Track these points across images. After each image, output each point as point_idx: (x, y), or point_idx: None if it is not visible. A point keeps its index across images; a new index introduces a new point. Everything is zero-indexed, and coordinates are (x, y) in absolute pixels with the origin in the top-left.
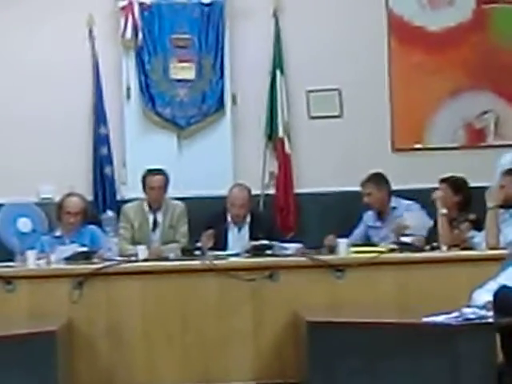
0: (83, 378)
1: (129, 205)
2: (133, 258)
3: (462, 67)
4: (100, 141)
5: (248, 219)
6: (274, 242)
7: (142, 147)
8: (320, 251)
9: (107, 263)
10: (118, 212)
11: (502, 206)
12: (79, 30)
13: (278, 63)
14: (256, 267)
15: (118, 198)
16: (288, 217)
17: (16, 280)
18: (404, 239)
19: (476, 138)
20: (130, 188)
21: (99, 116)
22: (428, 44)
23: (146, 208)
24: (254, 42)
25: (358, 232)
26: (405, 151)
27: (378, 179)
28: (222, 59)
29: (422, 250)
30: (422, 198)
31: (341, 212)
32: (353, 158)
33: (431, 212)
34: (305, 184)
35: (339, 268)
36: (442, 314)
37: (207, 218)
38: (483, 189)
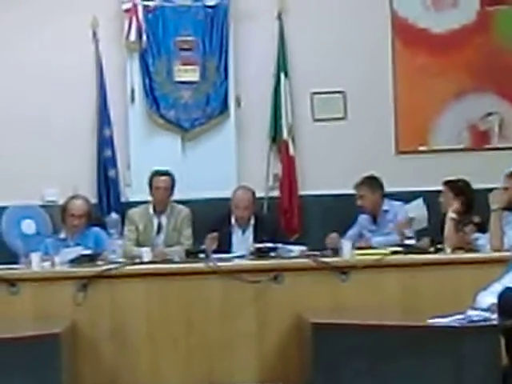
0: (87, 381)
1: (134, 209)
2: (137, 260)
3: (466, 69)
4: (104, 143)
5: (252, 221)
6: (278, 244)
7: (146, 149)
8: (324, 253)
9: (111, 265)
10: (122, 214)
11: (505, 209)
12: (83, 32)
13: (282, 65)
14: (260, 269)
15: (123, 200)
16: (292, 219)
17: (20, 282)
18: (408, 241)
19: (480, 140)
20: (134, 190)
21: (103, 118)
22: (432, 46)
23: (151, 211)
24: (258, 44)
25: (352, 233)
26: (409, 153)
27: (372, 182)
28: (226, 61)
29: (426, 252)
30: (425, 199)
31: (345, 214)
32: (357, 160)
33: (436, 214)
34: (309, 186)
35: (344, 270)
36: (447, 316)
37: (211, 220)
38: (488, 191)
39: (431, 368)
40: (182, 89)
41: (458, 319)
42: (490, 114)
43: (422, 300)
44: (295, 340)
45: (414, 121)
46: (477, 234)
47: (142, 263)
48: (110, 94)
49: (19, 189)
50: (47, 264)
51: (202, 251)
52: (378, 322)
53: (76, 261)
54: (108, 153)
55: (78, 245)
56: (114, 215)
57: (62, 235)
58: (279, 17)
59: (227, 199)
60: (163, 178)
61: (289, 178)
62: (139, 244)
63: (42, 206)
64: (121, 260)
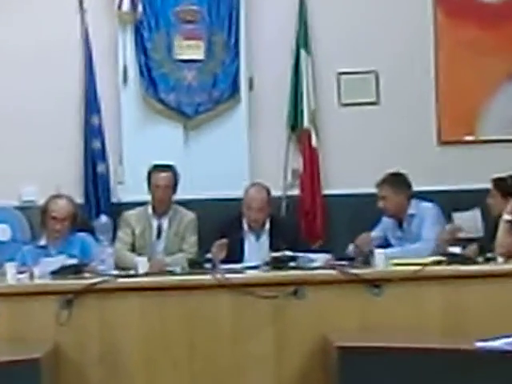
0: None
1: (130, 211)
2: (131, 272)
3: None
4: (92, 133)
5: (267, 225)
6: (298, 253)
7: (141, 140)
8: (353, 263)
9: (101, 278)
10: (113, 217)
11: None
12: (67, 2)
13: (302, 41)
14: (277, 282)
15: (114, 200)
16: (315, 222)
17: None
18: (453, 249)
19: None
20: (127, 189)
21: (91, 104)
22: (482, 18)
23: (150, 212)
24: (274, 14)
25: (375, 237)
26: (453, 144)
27: (396, 181)
28: (237, 36)
29: (474, 261)
30: (472, 199)
31: (376, 217)
32: (392, 152)
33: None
34: (334, 184)
35: (376, 283)
36: (498, 338)
37: (219, 224)
38: None
39: None
40: (185, 68)
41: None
42: None
43: (469, 319)
44: (319, 366)
45: (459, 106)
46: None
47: (136, 275)
48: (98, 75)
49: None
50: (25, 276)
51: (209, 261)
52: (416, 344)
53: (59, 272)
54: (96, 144)
55: (60, 253)
56: (103, 218)
57: (42, 242)
58: None
59: (238, 199)
60: (164, 174)
61: (311, 174)
62: (135, 251)
63: (19, 208)
64: (112, 272)
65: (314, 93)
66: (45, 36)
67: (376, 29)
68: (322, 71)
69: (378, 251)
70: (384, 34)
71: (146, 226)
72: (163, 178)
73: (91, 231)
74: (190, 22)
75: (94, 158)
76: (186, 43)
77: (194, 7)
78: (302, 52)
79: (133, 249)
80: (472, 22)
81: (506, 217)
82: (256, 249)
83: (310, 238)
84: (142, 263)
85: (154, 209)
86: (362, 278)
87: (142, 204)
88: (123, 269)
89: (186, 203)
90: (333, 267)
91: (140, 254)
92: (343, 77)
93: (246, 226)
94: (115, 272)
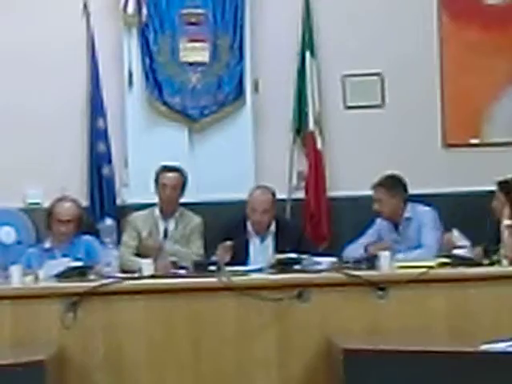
0: None
1: (137, 213)
2: (136, 275)
3: None
4: (97, 136)
5: (272, 228)
6: (303, 256)
7: (146, 143)
8: (358, 266)
9: (106, 281)
10: (117, 220)
11: None
12: (72, 4)
13: (307, 43)
14: (282, 285)
15: (118, 203)
16: (320, 225)
17: None
18: (458, 251)
19: None
20: (132, 191)
21: (96, 107)
22: (487, 20)
23: (157, 214)
24: (279, 17)
25: (367, 240)
26: (458, 147)
27: (392, 183)
28: (242, 38)
29: (479, 264)
30: (477, 203)
31: None
32: (396, 155)
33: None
34: (340, 186)
35: (381, 286)
36: (504, 340)
37: (224, 226)
38: None
39: None
40: (190, 71)
41: None
42: None
43: (474, 321)
44: (323, 369)
45: (464, 108)
46: None
47: (141, 278)
48: (104, 78)
49: None
50: (29, 279)
51: (214, 263)
52: (421, 347)
53: (64, 275)
54: (102, 147)
55: (65, 256)
56: (108, 221)
57: (47, 244)
58: None
59: (243, 202)
60: (171, 174)
61: (316, 176)
62: (139, 254)
63: (24, 210)
64: (117, 274)
65: (319, 95)
66: (50, 39)
67: (381, 31)
68: (326, 74)
69: (383, 253)
70: (389, 37)
71: (152, 228)
72: (171, 177)
73: (96, 234)
74: (194, 24)
75: (99, 160)
76: (191, 46)
77: (199, 10)
78: (307, 54)
79: (138, 252)
80: (477, 25)
81: (506, 222)
82: (261, 251)
83: (315, 240)
84: (147, 265)
85: (161, 211)
86: (367, 280)
87: (147, 206)
88: (128, 271)
89: (191, 206)
90: (337, 270)
91: (145, 257)
92: (348, 79)
93: (250, 229)
94: (120, 274)
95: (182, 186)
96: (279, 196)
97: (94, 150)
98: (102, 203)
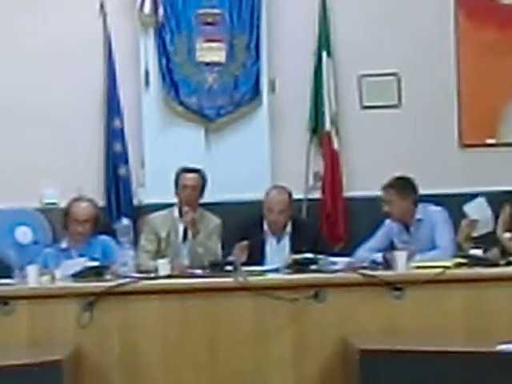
0: None
1: (156, 214)
2: (152, 275)
3: None
4: (114, 136)
5: (289, 228)
6: (319, 256)
7: (163, 143)
8: (375, 266)
9: (122, 280)
10: (134, 220)
11: None
12: (89, 4)
13: (324, 43)
14: (298, 285)
15: (135, 203)
16: (336, 225)
17: (14, 300)
18: (474, 252)
19: None
20: (148, 191)
21: (112, 107)
22: (503, 19)
23: (177, 215)
24: (295, 17)
25: (376, 244)
26: (474, 147)
27: (402, 185)
28: (258, 38)
29: (496, 264)
30: (494, 203)
31: None
32: (413, 155)
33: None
34: (356, 186)
35: (398, 286)
36: None
37: (240, 226)
38: None
39: None
40: (206, 71)
41: None
42: None
43: (491, 321)
44: (339, 369)
45: (480, 108)
46: None
47: (158, 277)
48: (120, 78)
49: (13, 189)
50: (46, 279)
51: (230, 263)
52: (438, 347)
53: (80, 275)
54: (118, 147)
55: (82, 256)
56: (124, 221)
57: (64, 244)
58: None
59: (259, 202)
60: (191, 175)
61: (332, 176)
62: (160, 255)
63: (40, 210)
64: (133, 274)
65: (335, 95)
66: (67, 39)
67: (397, 31)
68: (343, 74)
69: (400, 253)
70: (405, 37)
71: (171, 229)
72: (191, 178)
73: (112, 234)
74: (211, 24)
75: (115, 160)
76: (208, 46)
77: (216, 10)
78: (324, 54)
79: (157, 255)
80: (493, 24)
81: (506, 235)
82: (277, 251)
83: (331, 240)
84: (164, 265)
85: (180, 212)
86: (384, 280)
87: (164, 206)
88: (144, 271)
89: (207, 206)
90: (354, 270)
91: (163, 257)
92: (365, 79)
93: (267, 229)
94: (136, 274)
95: (202, 187)
96: (295, 196)
97: (110, 150)
98: (119, 203)
